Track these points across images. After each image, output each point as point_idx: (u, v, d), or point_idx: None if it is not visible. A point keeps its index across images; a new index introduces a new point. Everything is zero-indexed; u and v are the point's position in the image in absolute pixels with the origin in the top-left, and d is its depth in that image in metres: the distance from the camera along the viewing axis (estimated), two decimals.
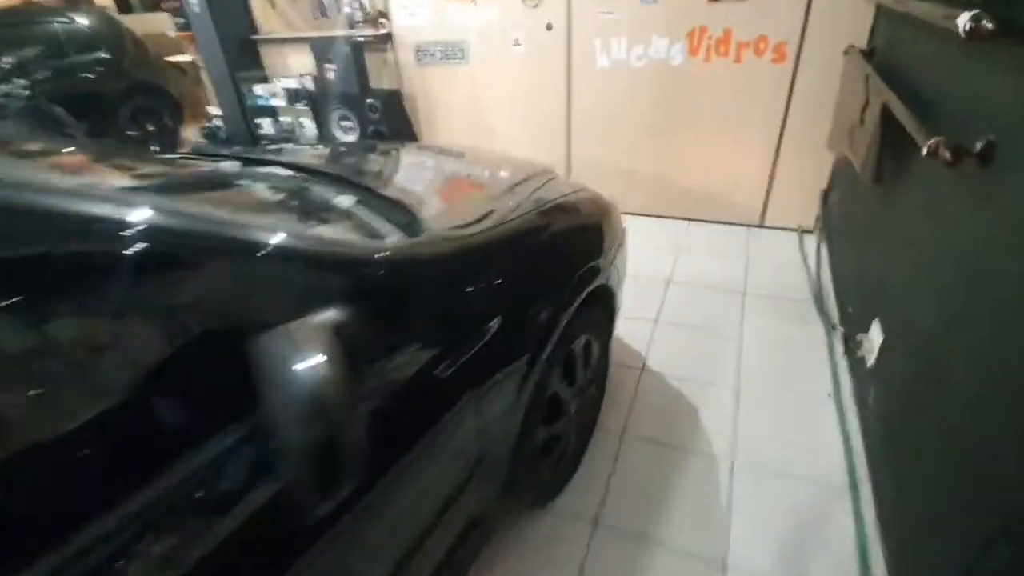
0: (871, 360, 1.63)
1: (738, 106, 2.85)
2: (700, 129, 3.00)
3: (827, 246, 2.70)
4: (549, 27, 3.06)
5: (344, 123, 3.59)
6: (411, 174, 1.73)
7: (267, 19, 4.00)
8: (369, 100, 3.36)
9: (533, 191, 1.51)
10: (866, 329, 1.71)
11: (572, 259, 1.42)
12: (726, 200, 3.14)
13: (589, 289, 1.41)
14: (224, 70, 3.88)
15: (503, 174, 1.72)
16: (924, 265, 1.39)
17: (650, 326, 2.33)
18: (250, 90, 3.93)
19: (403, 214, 1.16)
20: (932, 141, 1.15)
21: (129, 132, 5.36)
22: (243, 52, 3.91)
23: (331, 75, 3.39)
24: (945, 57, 1.42)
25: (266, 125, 4.04)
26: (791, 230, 3.05)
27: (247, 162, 1.40)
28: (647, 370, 2.07)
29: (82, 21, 4.99)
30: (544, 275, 1.30)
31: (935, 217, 1.34)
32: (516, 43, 3.19)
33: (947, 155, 1.12)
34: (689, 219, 3.29)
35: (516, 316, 1.14)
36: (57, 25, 4.71)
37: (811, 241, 2.90)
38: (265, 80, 3.91)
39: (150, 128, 5.54)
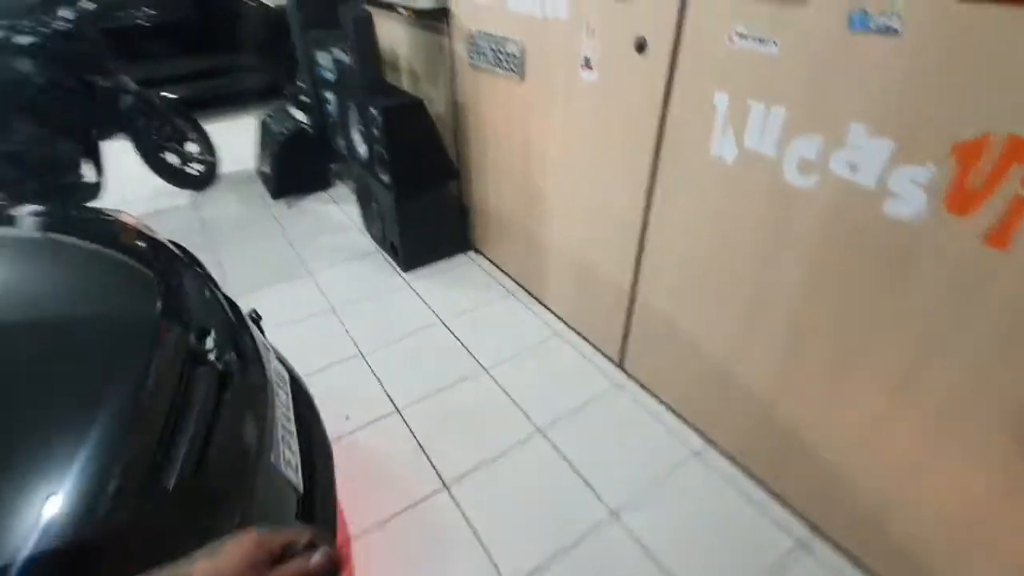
0: None
1: None
2: (927, 369, 1.16)
3: None
4: (641, 46, 1.46)
5: (361, 128, 2.54)
6: None
7: None
8: (371, 109, 2.21)
9: None
10: None
11: None
12: (916, 536, 1.26)
13: None
14: (296, 23, 3.13)
15: None
16: None
17: None
18: (315, 56, 3.13)
19: None
20: None
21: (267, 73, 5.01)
22: (324, 4, 3.09)
23: (345, 57, 2.33)
24: None
25: (333, 100, 3.24)
26: None
27: None
28: None
29: None
30: None
31: None
32: (586, 64, 1.66)
33: None
34: (813, 527, 1.48)
35: None
36: None
37: None
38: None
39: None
